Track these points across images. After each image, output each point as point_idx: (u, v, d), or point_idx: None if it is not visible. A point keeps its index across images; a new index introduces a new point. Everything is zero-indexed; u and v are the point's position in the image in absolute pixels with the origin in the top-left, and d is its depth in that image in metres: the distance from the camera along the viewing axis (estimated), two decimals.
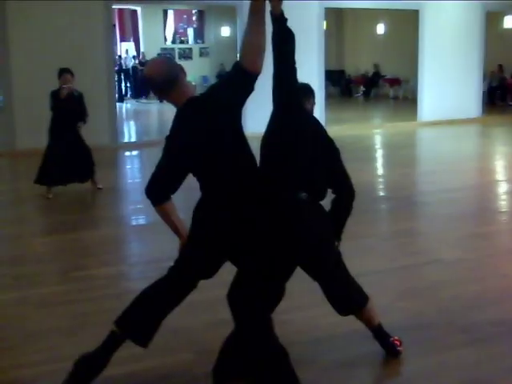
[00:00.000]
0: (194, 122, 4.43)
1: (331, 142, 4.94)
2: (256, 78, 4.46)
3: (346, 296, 4.98)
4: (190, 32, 31.65)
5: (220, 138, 4.43)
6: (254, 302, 4.60)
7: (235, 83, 4.49)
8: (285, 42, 4.66)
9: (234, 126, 4.54)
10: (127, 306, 4.69)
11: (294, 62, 4.67)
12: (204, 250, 4.58)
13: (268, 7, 4.55)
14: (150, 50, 30.35)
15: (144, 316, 4.68)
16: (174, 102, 4.53)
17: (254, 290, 4.60)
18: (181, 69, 4.61)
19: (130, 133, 21.38)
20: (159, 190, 4.52)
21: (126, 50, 31.23)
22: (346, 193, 4.98)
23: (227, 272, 4.71)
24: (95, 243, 8.93)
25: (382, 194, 11.52)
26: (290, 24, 4.33)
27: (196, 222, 4.55)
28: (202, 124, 4.41)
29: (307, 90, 5.15)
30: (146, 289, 4.68)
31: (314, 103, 5.18)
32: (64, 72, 11.37)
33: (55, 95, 11.26)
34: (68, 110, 11.30)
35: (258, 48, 4.43)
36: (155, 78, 4.49)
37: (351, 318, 5.10)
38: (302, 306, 6.09)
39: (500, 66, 26.54)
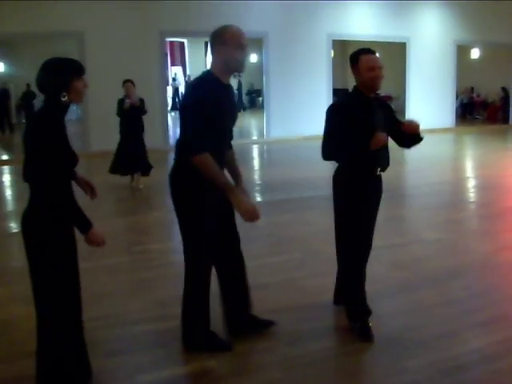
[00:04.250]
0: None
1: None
2: None
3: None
4: None
5: None
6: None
7: None
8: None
9: None
10: None
11: None
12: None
13: None
14: (194, 73, 30.54)
15: None
16: None
17: None
18: None
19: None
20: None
21: (175, 73, 31.30)
22: None
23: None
24: (150, 224, 8.94)
25: None
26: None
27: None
28: None
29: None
30: None
31: None
32: (126, 82, 11.31)
33: (120, 104, 11.25)
34: (130, 117, 11.21)
35: None
36: None
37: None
38: (316, 274, 6.07)
39: (472, 88, 26.52)
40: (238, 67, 4.27)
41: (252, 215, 4.15)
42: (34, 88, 22.51)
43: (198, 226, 4.38)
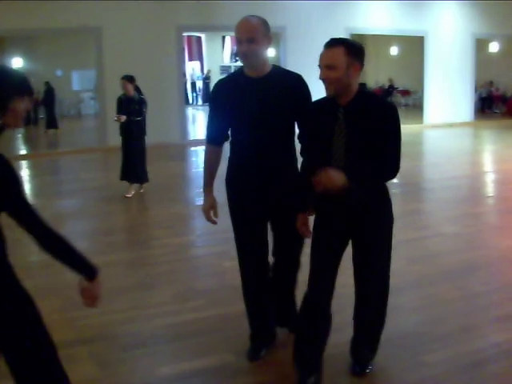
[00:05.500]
0: None
1: None
2: None
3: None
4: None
5: None
6: None
7: None
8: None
9: None
10: None
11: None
12: None
13: None
14: (212, 68, 30.59)
15: None
16: None
17: None
18: None
19: (195, 132, 21.42)
20: None
21: (192, 67, 31.35)
22: None
23: None
24: (168, 218, 8.97)
25: (395, 180, 11.41)
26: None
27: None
28: None
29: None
30: None
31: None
32: (121, 78, 10.16)
33: (118, 104, 10.20)
34: (127, 120, 9.99)
35: None
36: None
37: None
38: None
39: (491, 82, 26.35)
40: (242, 61, 4.00)
41: (206, 217, 4.29)
42: (53, 84, 22.69)
43: (231, 216, 4.28)
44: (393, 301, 5.17)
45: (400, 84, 29.73)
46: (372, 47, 31.09)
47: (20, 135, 20.71)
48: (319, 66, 3.59)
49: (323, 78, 3.56)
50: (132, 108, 10.02)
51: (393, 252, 5.55)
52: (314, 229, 3.89)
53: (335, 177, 3.45)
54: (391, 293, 5.06)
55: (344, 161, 3.57)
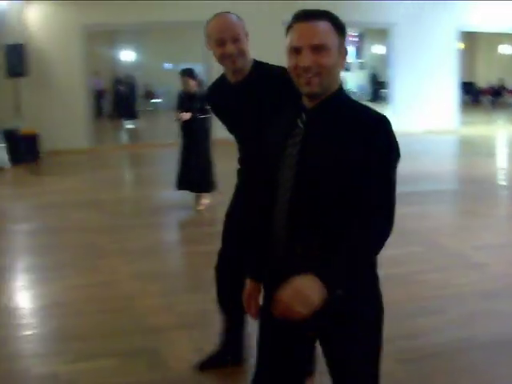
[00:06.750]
0: None
1: None
2: None
3: None
4: (352, 50, 31.13)
5: None
6: None
7: None
8: None
9: None
10: None
11: None
12: None
13: None
14: None
15: None
16: None
17: None
18: None
19: None
20: None
21: None
22: None
23: None
24: None
25: (503, 183, 11.14)
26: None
27: None
28: None
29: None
30: None
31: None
32: (181, 74, 9.16)
33: (179, 100, 9.14)
34: (188, 120, 8.74)
35: None
36: None
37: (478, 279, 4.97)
38: (437, 268, 6.02)
39: None
40: (228, 65, 3.43)
41: None
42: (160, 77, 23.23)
43: None
44: (490, 305, 5.08)
45: (511, 84, 28.91)
46: (482, 45, 30.42)
47: (130, 126, 21.32)
48: (294, 48, 2.24)
49: (308, 66, 2.21)
50: (194, 106, 8.68)
51: (495, 255, 5.42)
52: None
53: (306, 296, 2.09)
54: (492, 297, 4.96)
55: (290, 192, 2.30)
